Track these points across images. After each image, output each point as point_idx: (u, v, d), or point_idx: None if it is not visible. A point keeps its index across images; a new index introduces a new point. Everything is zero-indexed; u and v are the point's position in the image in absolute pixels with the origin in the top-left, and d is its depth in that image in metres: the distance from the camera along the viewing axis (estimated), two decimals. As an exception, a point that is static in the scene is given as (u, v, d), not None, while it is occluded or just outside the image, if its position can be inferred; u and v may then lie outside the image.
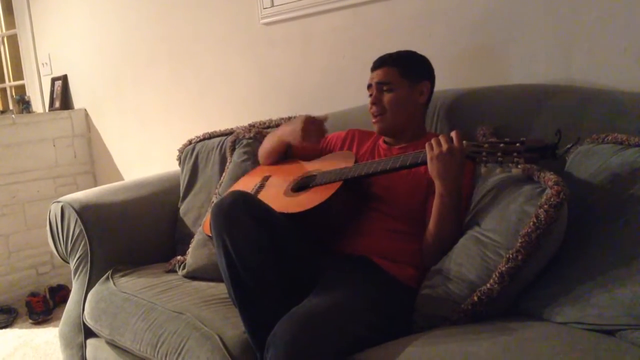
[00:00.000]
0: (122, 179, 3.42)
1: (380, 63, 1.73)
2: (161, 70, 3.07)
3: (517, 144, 1.28)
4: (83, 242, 2.03)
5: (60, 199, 2.11)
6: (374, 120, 1.72)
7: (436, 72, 1.74)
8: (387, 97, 1.69)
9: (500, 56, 1.89)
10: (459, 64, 1.97)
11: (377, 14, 2.17)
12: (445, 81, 1.84)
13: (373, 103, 1.71)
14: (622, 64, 1.64)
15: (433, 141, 1.41)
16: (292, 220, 1.55)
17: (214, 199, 2.07)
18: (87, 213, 2.04)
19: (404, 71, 1.69)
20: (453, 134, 1.39)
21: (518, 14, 1.82)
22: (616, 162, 1.31)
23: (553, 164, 1.35)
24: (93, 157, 3.63)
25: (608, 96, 1.57)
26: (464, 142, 1.39)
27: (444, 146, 1.38)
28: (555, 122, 1.56)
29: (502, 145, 1.30)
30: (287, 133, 1.85)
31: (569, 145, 1.28)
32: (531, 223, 1.23)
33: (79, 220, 2.02)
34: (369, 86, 1.73)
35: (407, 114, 1.71)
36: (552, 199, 1.22)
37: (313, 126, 1.78)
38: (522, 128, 1.62)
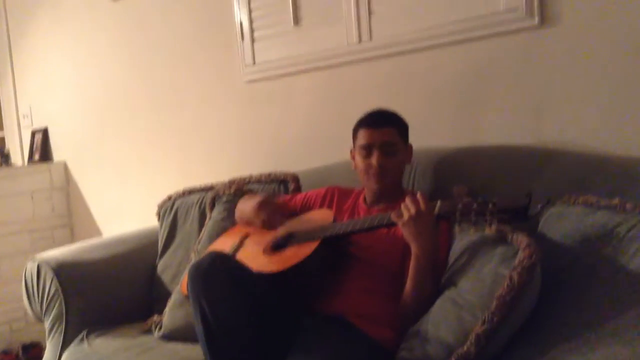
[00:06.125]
0: (100, 232, 3.39)
1: (383, 122, 1.71)
2: (143, 124, 3.09)
3: (490, 205, 1.31)
4: (59, 302, 2.00)
5: (37, 256, 2.08)
6: (374, 180, 1.69)
7: (412, 131, 1.77)
8: (391, 158, 1.68)
9: (474, 117, 1.94)
10: (434, 123, 2.02)
11: (356, 74, 2.23)
12: (421, 139, 1.87)
13: (379, 164, 1.67)
14: (591, 125, 1.70)
15: (402, 206, 1.43)
16: (271, 280, 1.55)
17: (193, 256, 2.06)
18: (64, 272, 2.02)
19: (401, 132, 1.72)
20: (418, 196, 1.42)
21: (490, 76, 1.89)
22: (588, 224, 1.34)
23: (526, 224, 1.38)
24: (71, 211, 3.60)
25: (578, 157, 1.62)
26: (438, 201, 1.41)
27: (412, 210, 1.40)
28: (527, 182, 1.60)
29: (475, 206, 1.33)
30: (250, 217, 1.86)
31: (539, 206, 1.31)
32: (505, 285, 1.24)
33: (55, 279, 2.00)
34: (369, 145, 1.69)
35: (400, 175, 1.74)
36: (524, 262, 1.24)
37: (272, 216, 1.80)
38: (495, 187, 1.65)
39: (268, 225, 1.79)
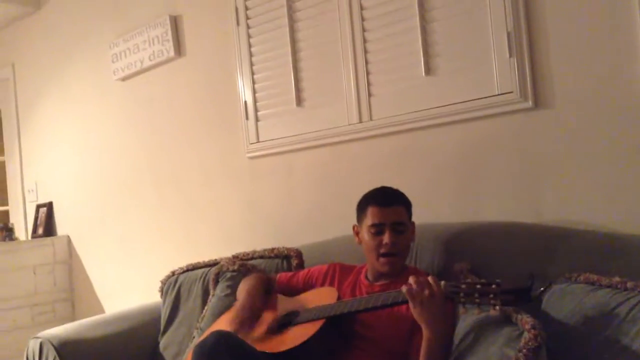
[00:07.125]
0: (101, 307, 3.37)
1: (394, 200, 1.72)
2: (147, 200, 3.14)
3: (493, 286, 1.33)
4: (60, 381, 1.98)
5: (39, 334, 2.08)
6: (384, 261, 1.68)
7: (413, 208, 1.78)
8: (401, 237, 1.69)
9: (472, 194, 1.98)
10: (434, 200, 2.06)
11: (356, 152, 2.30)
12: (422, 216, 1.90)
13: (392, 243, 1.67)
14: (589, 204, 1.74)
15: (414, 284, 1.42)
16: (275, 359, 1.54)
17: (195, 334, 2.05)
18: (66, 350, 2.02)
19: (408, 210, 1.74)
20: (430, 279, 1.43)
21: (487, 155, 1.95)
22: (589, 304, 1.35)
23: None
24: (73, 285, 3.59)
25: (578, 234, 1.65)
26: (442, 282, 1.43)
27: (426, 291, 1.40)
28: (527, 260, 1.63)
29: (478, 286, 1.35)
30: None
31: (541, 289, 1.33)
32: (512, 367, 1.25)
33: (57, 358, 1.98)
34: (381, 224, 1.68)
35: (407, 254, 1.75)
36: (530, 343, 1.25)
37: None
38: (496, 264, 1.68)
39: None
